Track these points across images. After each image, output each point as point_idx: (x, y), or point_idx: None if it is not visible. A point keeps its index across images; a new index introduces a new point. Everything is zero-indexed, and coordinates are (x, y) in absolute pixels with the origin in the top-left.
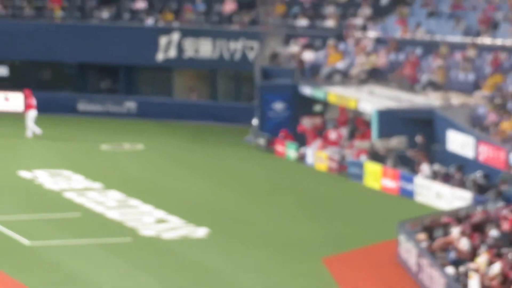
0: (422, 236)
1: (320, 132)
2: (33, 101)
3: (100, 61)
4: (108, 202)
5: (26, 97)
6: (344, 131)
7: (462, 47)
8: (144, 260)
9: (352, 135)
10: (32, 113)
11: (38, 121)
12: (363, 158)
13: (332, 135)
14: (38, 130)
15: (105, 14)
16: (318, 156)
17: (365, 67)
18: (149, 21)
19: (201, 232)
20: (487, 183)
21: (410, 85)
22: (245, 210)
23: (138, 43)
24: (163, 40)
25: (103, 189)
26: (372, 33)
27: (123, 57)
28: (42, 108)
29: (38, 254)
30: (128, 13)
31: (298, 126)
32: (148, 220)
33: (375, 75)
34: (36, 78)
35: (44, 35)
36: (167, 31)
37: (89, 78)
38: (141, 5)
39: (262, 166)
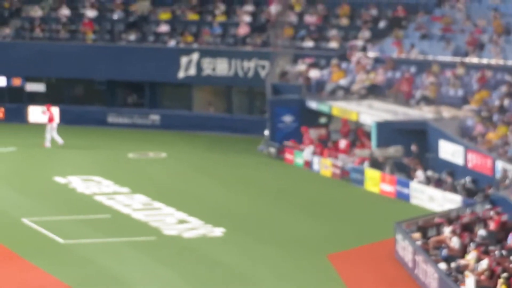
0: (417, 235)
1: (324, 142)
2: (54, 114)
3: (127, 79)
4: (134, 205)
5: (48, 111)
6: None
7: (452, 65)
8: (167, 256)
9: (353, 144)
10: (53, 125)
11: (71, 133)
12: (364, 165)
13: (342, 144)
14: (60, 140)
15: (132, 36)
16: (323, 163)
17: (365, 84)
18: (171, 43)
19: (218, 231)
20: (475, 188)
21: (406, 99)
22: (257, 212)
23: (161, 62)
24: (183, 60)
25: (130, 193)
26: (371, 53)
27: (148, 74)
28: (75, 121)
29: (71, 251)
30: (152, 35)
31: (302, 128)
32: (171, 221)
33: (374, 91)
34: (70, 94)
35: (77, 55)
36: (188, 51)
37: (117, 93)
38: (164, 28)
39: (272, 173)
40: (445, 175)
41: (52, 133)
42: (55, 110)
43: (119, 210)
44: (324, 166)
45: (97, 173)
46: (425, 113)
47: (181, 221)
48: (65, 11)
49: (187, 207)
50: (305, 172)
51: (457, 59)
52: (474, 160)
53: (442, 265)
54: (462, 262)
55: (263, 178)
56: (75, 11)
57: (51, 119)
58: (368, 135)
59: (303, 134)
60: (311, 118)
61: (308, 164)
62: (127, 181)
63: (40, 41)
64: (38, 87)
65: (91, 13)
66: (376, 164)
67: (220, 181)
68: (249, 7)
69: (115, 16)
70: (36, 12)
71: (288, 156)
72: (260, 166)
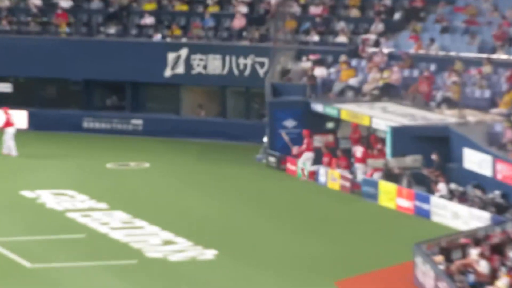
0: (439, 258)
1: (332, 150)
2: (13, 119)
3: (107, 78)
4: (113, 223)
5: (5, 114)
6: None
7: (477, 63)
8: (150, 283)
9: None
10: (11, 130)
11: (41, 140)
12: (377, 176)
13: (358, 152)
14: (14, 152)
15: (111, 29)
16: (331, 175)
17: (379, 84)
18: (157, 37)
19: (209, 254)
20: (506, 203)
21: (425, 102)
22: (255, 231)
23: (145, 59)
24: (171, 56)
25: (108, 209)
26: (385, 49)
27: (130, 73)
28: (46, 126)
29: (39, 277)
30: (135, 28)
31: (304, 131)
32: (155, 241)
33: (388, 92)
34: (41, 96)
35: (49, 51)
36: (175, 47)
37: (95, 95)
38: (148, 20)
39: (272, 185)
40: (470, 189)
41: (5, 139)
42: (17, 114)
43: (96, 229)
44: (332, 178)
45: (70, 186)
46: (447, 117)
47: (167, 242)
48: (35, 1)
49: (174, 225)
50: (310, 184)
51: (483, 55)
52: (504, 171)
53: None
54: None
55: (262, 192)
56: (47, 0)
57: (7, 124)
58: (382, 142)
59: (303, 138)
60: (316, 122)
61: (313, 175)
62: (104, 196)
63: (6, 35)
64: (3, 87)
65: (65, 3)
66: (391, 176)
67: (213, 195)
68: None
69: (93, 6)
70: (3, 1)
71: (290, 166)
72: (259, 178)
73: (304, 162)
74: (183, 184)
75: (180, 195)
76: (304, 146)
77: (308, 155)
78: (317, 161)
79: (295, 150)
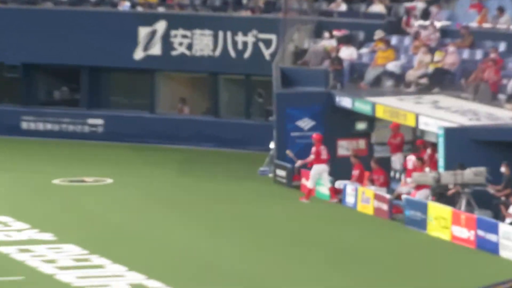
0: None
1: (363, 160)
2: None
3: (54, 61)
4: (62, 261)
5: None
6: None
7: None
8: None
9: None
10: None
11: None
12: (425, 196)
13: (409, 162)
14: None
15: None
16: (361, 194)
17: (428, 70)
18: (124, 5)
19: None
20: None
21: (491, 94)
22: (257, 271)
23: (108, 36)
24: (143, 32)
25: (56, 241)
26: (437, 23)
27: (86, 55)
28: None
29: None
30: None
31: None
32: (119, 286)
33: (441, 80)
34: None
35: None
36: (150, 19)
37: (38, 85)
38: None
39: (282, 209)
40: None
41: None
42: None
43: (38, 269)
44: (363, 198)
45: (4, 211)
46: None
47: (136, 287)
48: None
49: (145, 264)
50: (333, 207)
51: None
52: None
53: None
54: None
55: (268, 217)
56: None
57: None
58: (432, 149)
59: (314, 144)
60: (342, 123)
61: (336, 193)
62: (50, 223)
63: None
64: None
65: None
66: (445, 195)
67: (199, 222)
68: None
69: None
70: None
71: (306, 182)
72: (263, 198)
73: (316, 179)
74: (158, 207)
75: (154, 222)
76: (312, 156)
77: (319, 169)
78: (343, 175)
79: (299, 162)
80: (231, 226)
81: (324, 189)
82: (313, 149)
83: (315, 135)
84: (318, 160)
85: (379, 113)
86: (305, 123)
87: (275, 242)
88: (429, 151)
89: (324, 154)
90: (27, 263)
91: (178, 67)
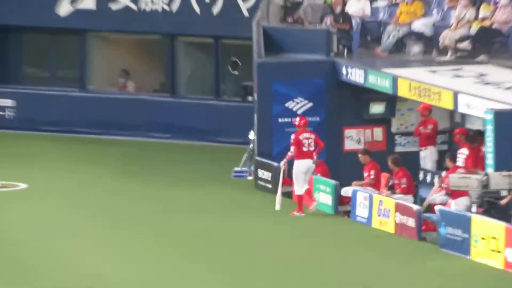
0: None
1: (382, 156)
2: None
3: None
4: None
5: None
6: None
7: None
8: None
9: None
10: None
11: None
12: (468, 207)
13: (461, 158)
14: None
15: None
16: (378, 205)
17: (471, 31)
18: None
19: None
20: None
21: None
22: None
23: None
24: None
25: None
26: None
27: None
28: None
29: None
30: None
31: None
32: None
33: (489, 45)
34: None
35: None
36: None
37: None
38: None
39: (268, 225)
40: None
41: None
42: None
43: None
44: (381, 211)
45: None
46: None
47: None
48: None
49: None
50: (339, 223)
51: None
52: None
53: None
54: None
55: (248, 238)
56: None
57: None
58: (476, 141)
59: (295, 133)
60: (350, 104)
61: (344, 205)
62: None
63: None
64: None
65: None
66: (496, 205)
67: (147, 248)
68: None
69: None
70: None
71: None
72: (240, 211)
73: (303, 180)
74: (90, 223)
75: (84, 245)
76: (292, 149)
77: (302, 166)
78: (352, 178)
79: (283, 162)
80: (189, 253)
81: (326, 198)
82: (292, 137)
83: (300, 119)
84: (300, 153)
85: (403, 91)
86: (299, 105)
87: (256, 277)
88: (471, 147)
89: (309, 145)
90: None
91: (120, 27)
